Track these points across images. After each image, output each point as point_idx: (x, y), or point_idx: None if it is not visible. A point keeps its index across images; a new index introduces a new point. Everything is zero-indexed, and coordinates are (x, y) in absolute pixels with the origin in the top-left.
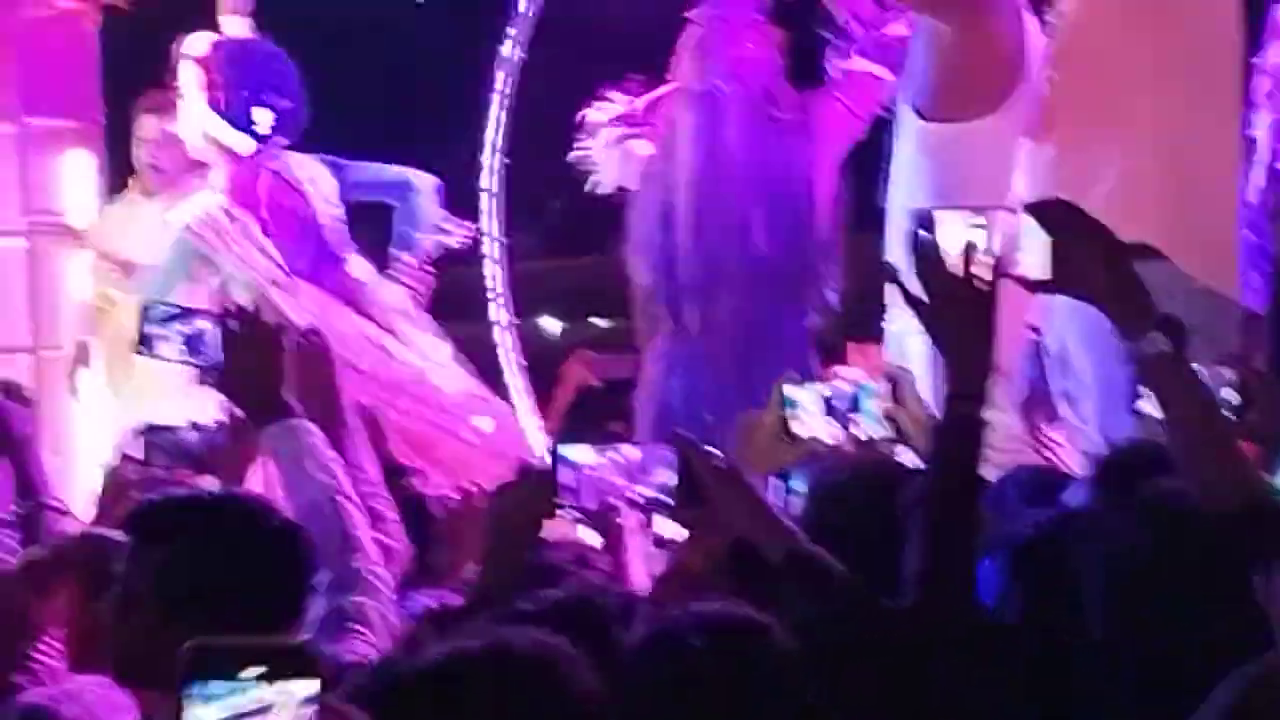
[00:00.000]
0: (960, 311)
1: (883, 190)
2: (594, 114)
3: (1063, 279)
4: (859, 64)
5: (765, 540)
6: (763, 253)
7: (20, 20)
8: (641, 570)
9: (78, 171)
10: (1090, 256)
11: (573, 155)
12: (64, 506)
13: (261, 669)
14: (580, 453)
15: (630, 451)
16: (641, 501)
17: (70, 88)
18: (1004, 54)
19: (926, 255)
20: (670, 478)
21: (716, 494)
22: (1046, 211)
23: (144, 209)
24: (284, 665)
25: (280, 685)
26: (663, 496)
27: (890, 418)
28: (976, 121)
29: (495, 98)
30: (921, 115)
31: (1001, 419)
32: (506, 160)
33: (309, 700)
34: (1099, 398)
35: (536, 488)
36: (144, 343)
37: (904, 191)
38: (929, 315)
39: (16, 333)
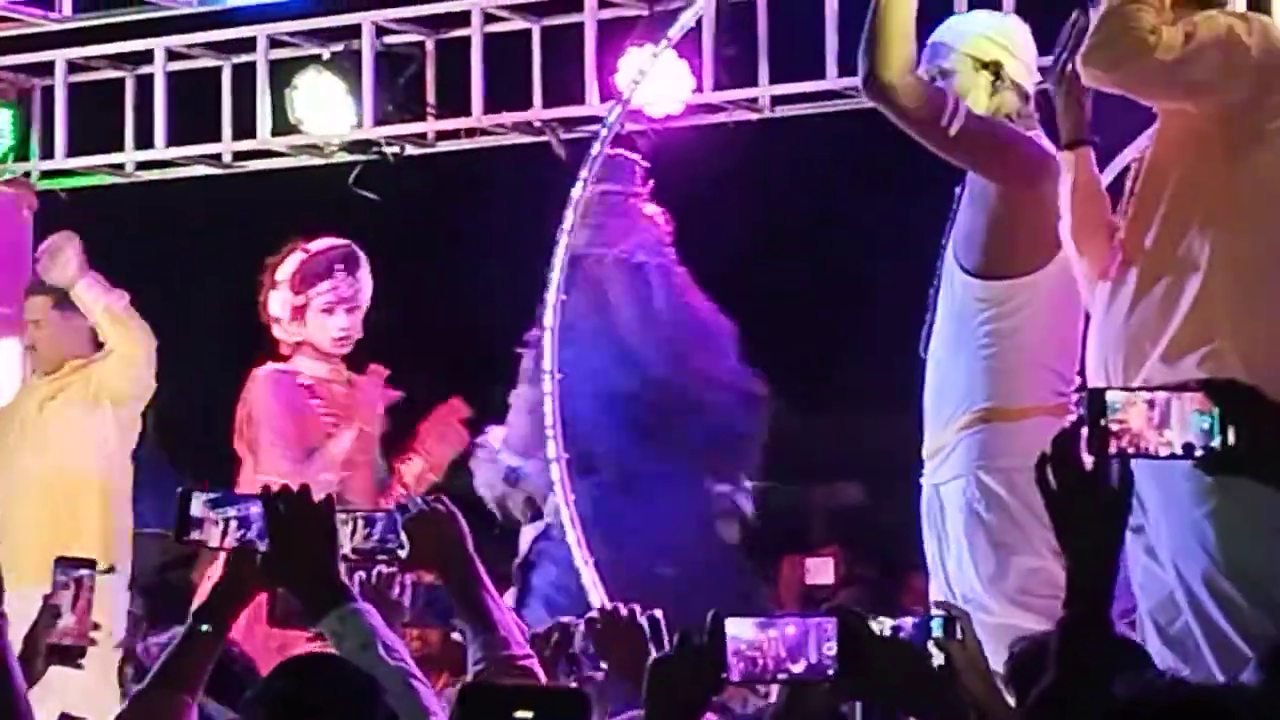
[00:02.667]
0: (1089, 510)
1: (925, 341)
2: None
3: (1246, 463)
4: None
5: (931, 714)
6: None
7: None
8: None
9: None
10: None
11: None
12: None
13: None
14: (737, 626)
15: (789, 625)
16: (797, 676)
17: (4, 274)
18: (1044, 210)
19: (1064, 447)
20: (830, 649)
21: (880, 665)
22: (1226, 393)
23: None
24: (554, 708)
25: None
26: (819, 670)
27: (943, 649)
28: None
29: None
30: (967, 271)
31: None
32: (564, 297)
33: None
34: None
35: (700, 660)
36: (187, 528)
37: (951, 343)
38: (1056, 508)
39: None
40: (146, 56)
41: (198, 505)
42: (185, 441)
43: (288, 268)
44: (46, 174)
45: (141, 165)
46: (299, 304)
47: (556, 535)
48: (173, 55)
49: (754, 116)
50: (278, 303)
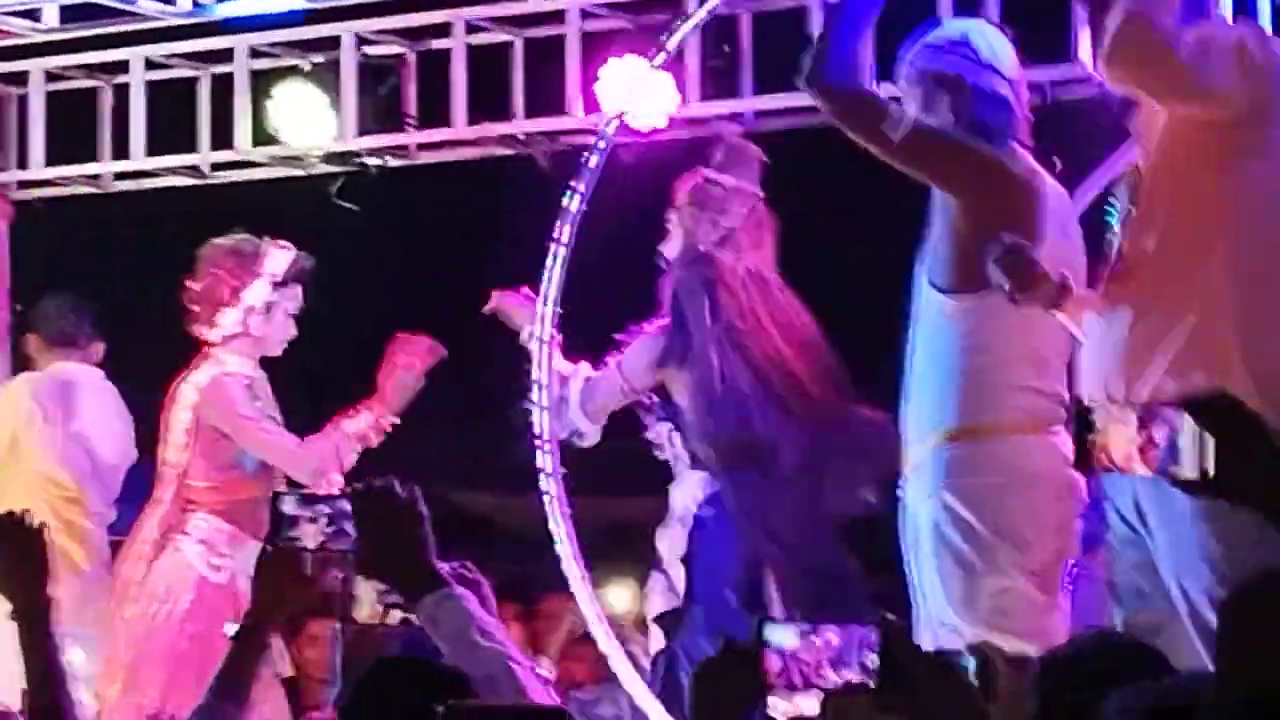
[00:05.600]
0: None
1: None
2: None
3: (1224, 484)
4: None
5: None
6: None
7: None
8: None
9: None
10: (1253, 459)
11: None
12: None
13: None
14: (780, 633)
15: (830, 634)
16: (838, 684)
17: None
18: (1012, 224)
19: None
20: (872, 660)
21: (922, 678)
22: (1207, 408)
23: None
24: None
25: None
26: (861, 679)
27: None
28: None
29: (555, 248)
30: (934, 286)
31: None
32: (559, 310)
33: None
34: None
35: (743, 666)
36: (281, 527)
37: (923, 358)
38: None
39: None
40: (122, 66)
41: (289, 504)
42: None
43: (279, 262)
44: (23, 184)
45: (119, 176)
46: (273, 300)
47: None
48: (150, 65)
49: (738, 130)
50: (257, 294)
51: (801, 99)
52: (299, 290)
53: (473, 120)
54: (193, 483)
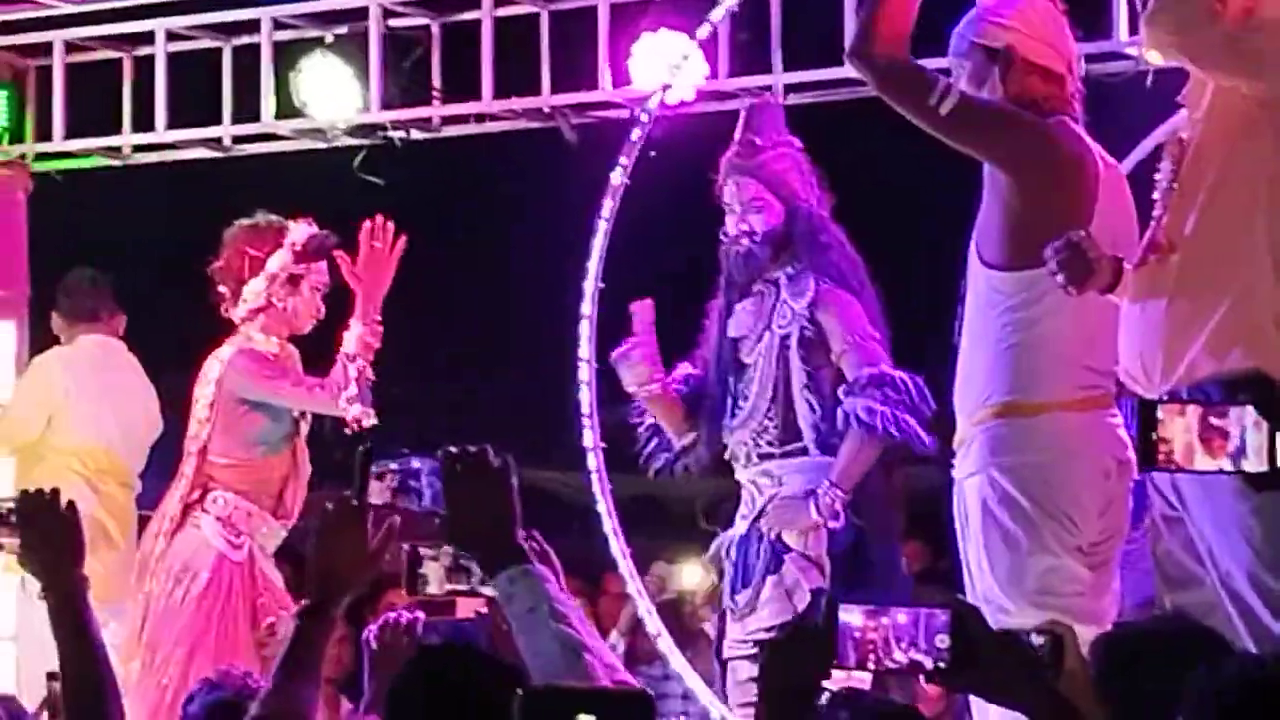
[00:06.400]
0: None
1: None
2: None
3: None
4: None
5: (1042, 711)
6: None
7: None
8: None
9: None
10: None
11: None
12: None
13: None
14: (850, 614)
15: (899, 615)
16: (904, 665)
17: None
18: (1064, 199)
19: None
20: (942, 641)
21: (993, 660)
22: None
23: None
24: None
25: None
26: (932, 659)
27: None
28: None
29: (601, 224)
30: (985, 262)
31: None
32: (601, 285)
33: None
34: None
35: (813, 645)
36: (362, 489)
37: (972, 333)
38: None
39: None
40: (144, 37)
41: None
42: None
43: (300, 232)
44: (41, 156)
45: (138, 148)
46: (298, 273)
47: None
48: (172, 36)
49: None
50: (278, 262)
51: (833, 73)
52: (324, 267)
53: (497, 93)
54: (213, 459)
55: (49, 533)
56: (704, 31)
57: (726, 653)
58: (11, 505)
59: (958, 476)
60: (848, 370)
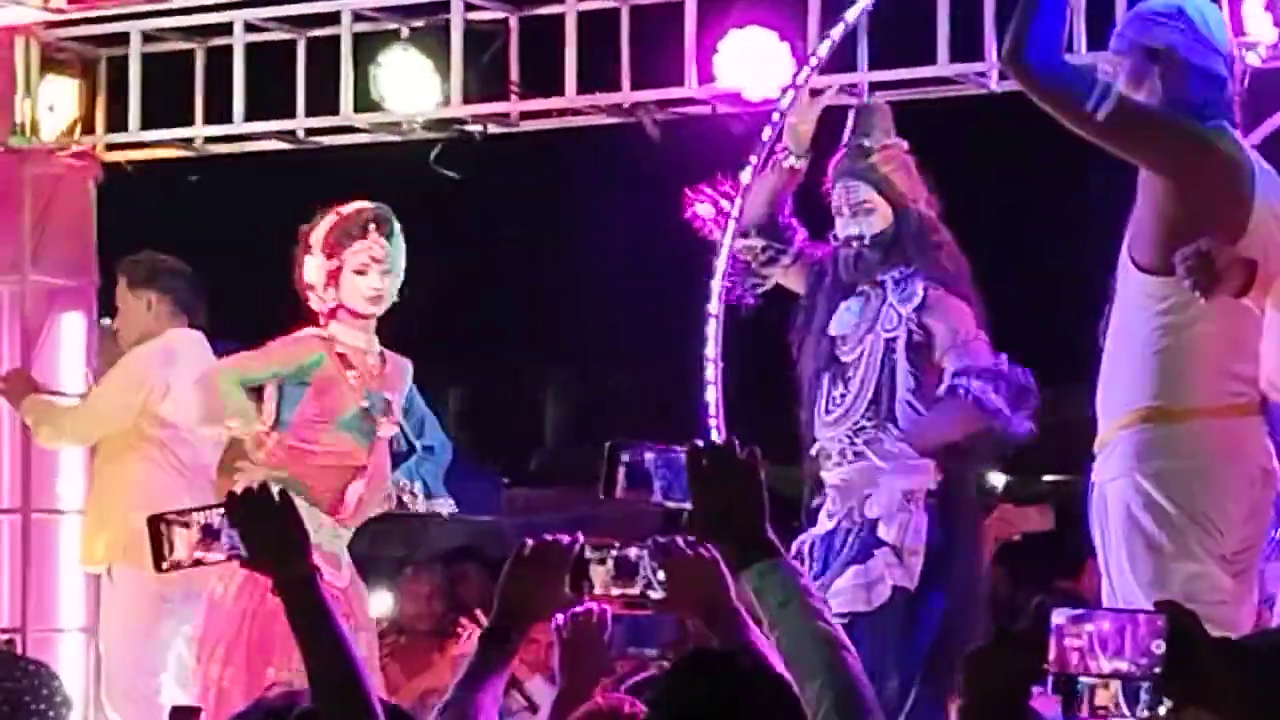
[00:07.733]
0: None
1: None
2: None
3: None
4: None
5: None
6: None
7: (27, 177)
8: None
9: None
10: None
11: None
12: None
13: None
14: (1058, 616)
15: (1104, 621)
16: (1109, 672)
17: (70, 246)
18: (1222, 205)
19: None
20: (1158, 647)
21: (1215, 670)
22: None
23: None
24: None
25: None
26: (1141, 667)
27: None
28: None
29: (731, 224)
30: (1137, 265)
31: None
32: (727, 285)
33: None
34: None
35: (1020, 649)
36: (612, 484)
37: (1120, 337)
38: None
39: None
40: (217, 29)
41: (625, 458)
42: None
43: (320, 231)
44: (112, 146)
45: (210, 140)
46: (333, 268)
47: None
48: (249, 28)
49: (851, 102)
50: (313, 268)
51: (918, 71)
52: (363, 244)
53: (579, 88)
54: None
55: (268, 529)
56: (838, 31)
57: None
58: (219, 516)
59: (1098, 480)
60: (953, 365)
